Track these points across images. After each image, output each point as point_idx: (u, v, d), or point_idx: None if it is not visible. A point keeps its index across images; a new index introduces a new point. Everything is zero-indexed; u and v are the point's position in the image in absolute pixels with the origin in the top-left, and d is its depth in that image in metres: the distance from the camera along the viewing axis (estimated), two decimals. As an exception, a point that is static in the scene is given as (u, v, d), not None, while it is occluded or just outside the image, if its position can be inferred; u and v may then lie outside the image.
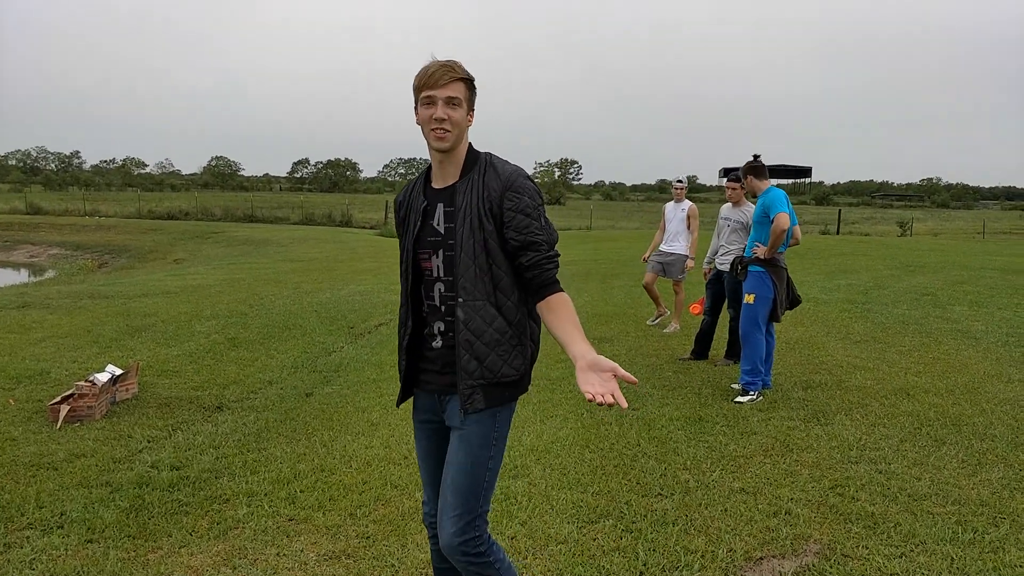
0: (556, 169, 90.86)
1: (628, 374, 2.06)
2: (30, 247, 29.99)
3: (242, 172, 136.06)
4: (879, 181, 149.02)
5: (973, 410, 5.56)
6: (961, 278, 14.19)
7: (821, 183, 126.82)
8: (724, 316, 7.38)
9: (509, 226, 2.25)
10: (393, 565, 3.46)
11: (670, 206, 8.89)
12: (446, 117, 2.27)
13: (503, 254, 2.28)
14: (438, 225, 2.35)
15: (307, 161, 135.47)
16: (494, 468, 2.35)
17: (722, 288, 7.27)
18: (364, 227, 35.73)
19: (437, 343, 2.39)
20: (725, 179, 8.70)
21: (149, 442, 5.28)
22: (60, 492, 4.38)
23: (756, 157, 6.28)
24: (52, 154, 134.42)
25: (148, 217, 37.84)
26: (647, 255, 9.06)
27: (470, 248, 2.27)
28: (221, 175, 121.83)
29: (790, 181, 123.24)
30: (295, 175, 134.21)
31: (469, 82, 2.33)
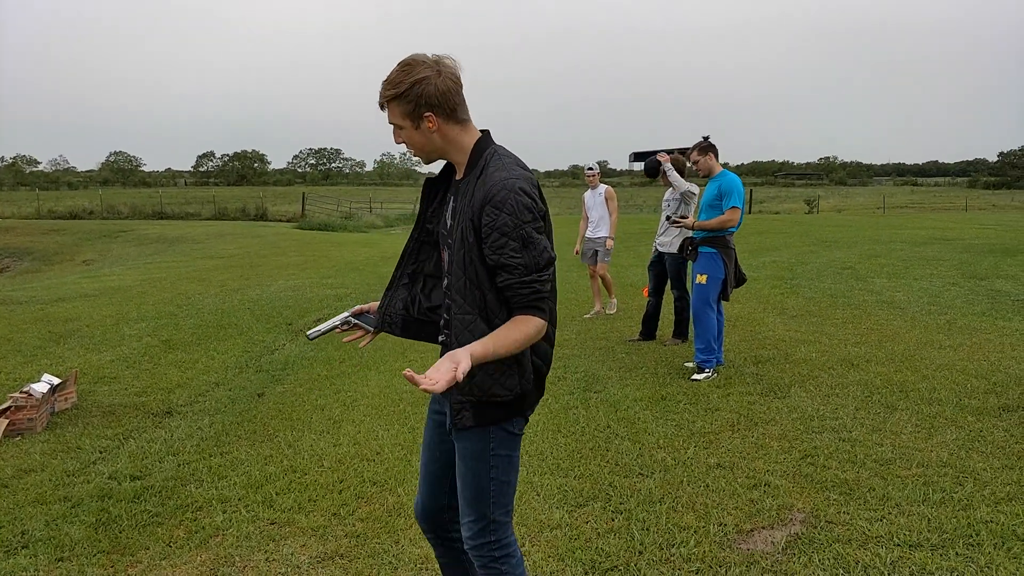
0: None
1: (452, 378, 1.85)
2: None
3: (143, 167, 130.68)
4: (780, 161, 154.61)
5: (915, 376, 5.87)
6: (875, 251, 14.92)
7: (725, 164, 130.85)
8: (668, 296, 7.55)
9: (485, 243, 2.06)
10: (390, 562, 3.42)
11: (588, 194, 9.00)
12: (401, 141, 2.17)
13: (486, 270, 2.10)
14: (448, 219, 2.24)
15: (212, 154, 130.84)
16: (499, 478, 2.23)
17: (663, 269, 7.43)
18: (280, 220, 34.83)
19: (442, 337, 2.30)
20: (587, 168, 8.92)
21: (101, 452, 5.04)
22: (16, 510, 4.13)
23: (706, 138, 6.42)
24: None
25: (48, 217, 35.83)
26: (578, 247, 9.16)
27: (461, 257, 2.13)
28: (121, 171, 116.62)
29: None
30: (200, 169, 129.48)
31: (400, 96, 2.08)
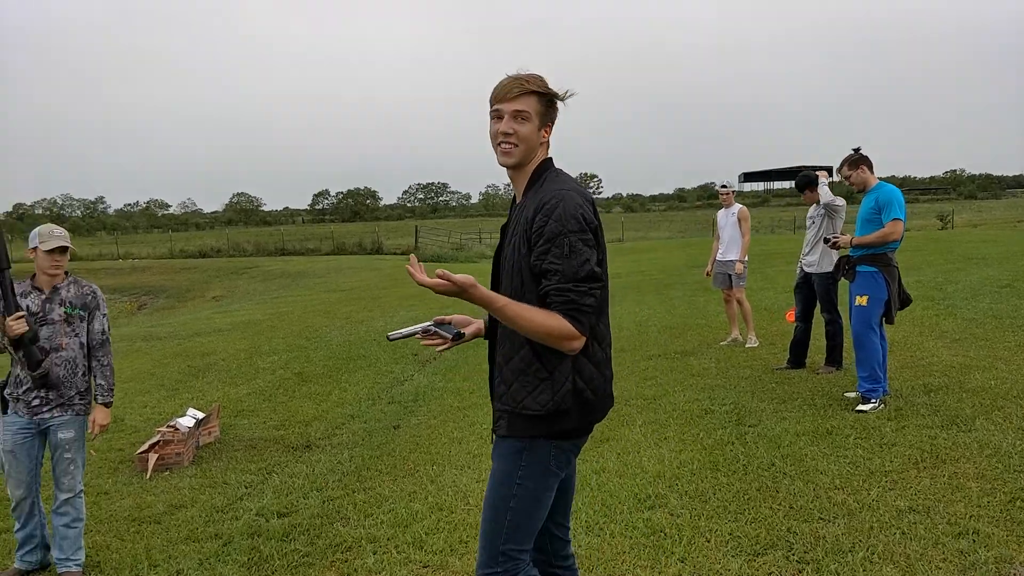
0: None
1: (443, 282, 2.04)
2: None
3: (264, 207, 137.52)
4: (900, 176, 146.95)
5: (1123, 406, 5.16)
6: (1030, 268, 13.67)
7: (843, 182, 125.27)
8: (817, 320, 7.03)
9: (533, 249, 2.12)
10: (556, 614, 3.15)
11: (721, 213, 8.58)
12: (511, 131, 2.20)
13: (532, 279, 2.13)
14: (506, 240, 2.31)
15: (327, 192, 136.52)
16: (517, 508, 2.20)
17: (811, 292, 6.93)
18: (395, 253, 35.66)
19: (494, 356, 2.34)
20: (720, 186, 8.49)
21: (247, 488, 5.02)
22: (169, 547, 4.12)
23: (857, 150, 5.94)
24: (77, 200, 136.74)
25: (180, 256, 38.05)
26: (709, 268, 8.72)
27: (510, 269, 2.19)
28: (244, 211, 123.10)
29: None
30: (316, 206, 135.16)
31: (544, 96, 2.22)
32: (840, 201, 6.77)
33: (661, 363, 7.62)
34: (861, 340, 5.59)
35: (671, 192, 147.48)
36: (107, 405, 3.92)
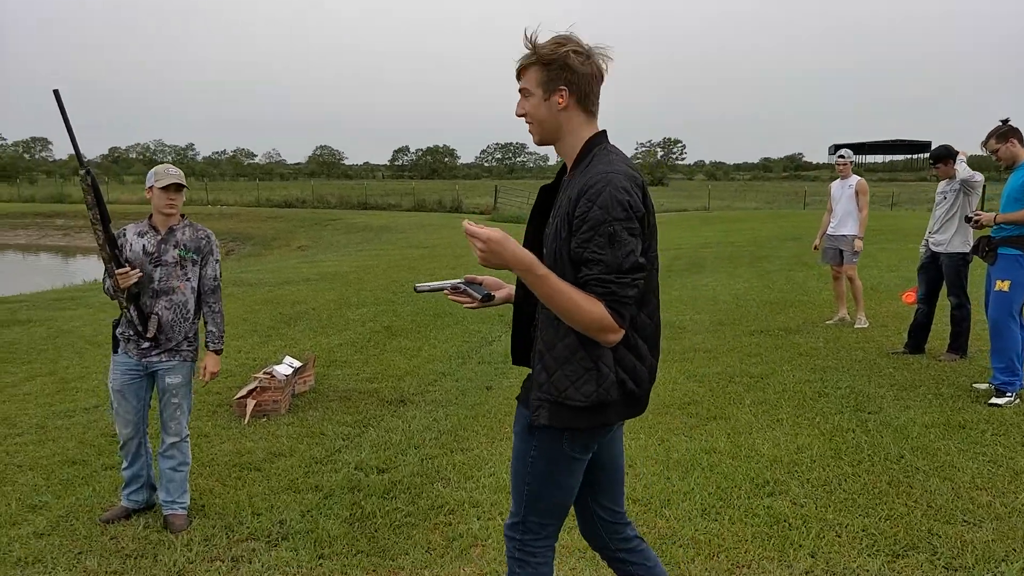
0: (659, 149, 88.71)
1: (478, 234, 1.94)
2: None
3: (345, 161, 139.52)
4: None
5: None
6: None
7: (989, 156, 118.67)
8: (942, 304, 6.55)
9: (575, 235, 1.98)
10: (679, 602, 2.96)
11: (836, 185, 8.05)
12: (522, 111, 2.11)
13: (572, 266, 2.00)
14: (551, 218, 2.15)
15: (407, 148, 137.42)
16: (533, 485, 2.17)
17: (938, 273, 6.44)
18: (474, 212, 35.60)
19: (535, 342, 2.17)
20: (837, 155, 7.89)
21: (344, 440, 4.97)
22: (271, 497, 4.08)
23: (1005, 121, 5.43)
24: (169, 147, 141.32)
25: (266, 205, 38.88)
26: (817, 242, 8.25)
27: (552, 252, 2.05)
28: (326, 164, 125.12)
29: (904, 157, 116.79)
30: (395, 162, 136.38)
31: (544, 63, 2.04)
32: (979, 177, 6.25)
33: (764, 340, 7.27)
34: (999, 329, 5.15)
35: (756, 161, 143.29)
36: (217, 352, 3.87)
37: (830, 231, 7.98)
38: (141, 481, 3.93)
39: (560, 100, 2.05)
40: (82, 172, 3.45)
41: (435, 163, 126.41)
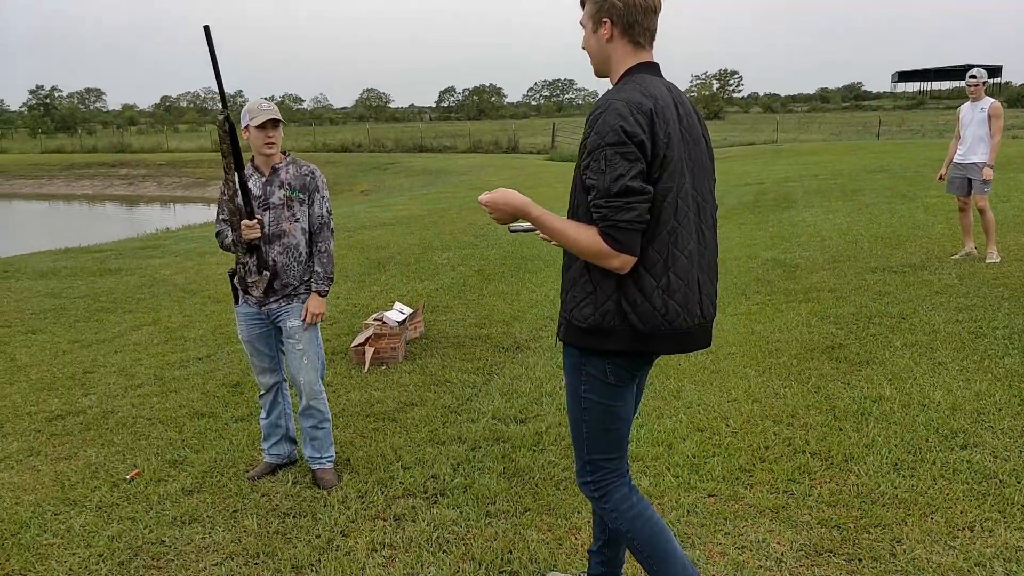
0: (715, 81, 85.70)
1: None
2: (221, 183, 31.41)
3: (392, 104, 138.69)
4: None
5: None
6: None
7: (1009, 83, 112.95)
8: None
9: (581, 160, 2.05)
10: (905, 570, 2.68)
11: (965, 108, 7.39)
12: (583, 46, 2.17)
13: (584, 193, 2.06)
14: None
15: (453, 89, 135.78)
16: (591, 420, 2.21)
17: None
18: (531, 152, 35.00)
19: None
20: (968, 76, 7.19)
21: (471, 388, 4.77)
22: (415, 449, 3.90)
23: None
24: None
25: (323, 150, 38.82)
26: (943, 171, 7.65)
27: (575, 179, 2.12)
28: (373, 107, 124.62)
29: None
30: (442, 104, 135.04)
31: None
32: None
33: (890, 277, 6.82)
34: None
35: (811, 92, 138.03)
36: (321, 294, 3.57)
37: (957, 158, 7.39)
38: (280, 433, 3.78)
39: (605, 32, 2.09)
40: (221, 117, 3.18)
41: (482, 103, 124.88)
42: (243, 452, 3.99)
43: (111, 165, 36.23)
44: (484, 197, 2.12)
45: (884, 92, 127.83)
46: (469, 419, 4.28)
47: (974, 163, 7.22)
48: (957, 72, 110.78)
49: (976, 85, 7.21)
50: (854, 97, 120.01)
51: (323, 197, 3.60)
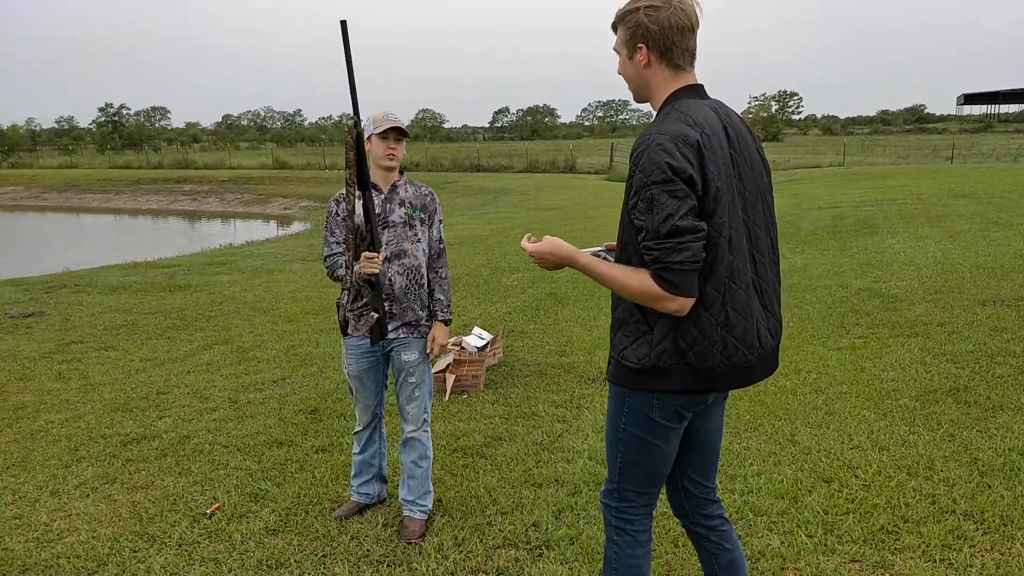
0: (773, 103, 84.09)
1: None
2: (282, 200, 31.87)
3: (446, 124, 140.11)
4: None
5: None
6: None
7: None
8: None
9: (628, 200, 1.97)
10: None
11: None
12: (620, 73, 2.10)
13: (634, 231, 1.96)
14: None
15: (507, 110, 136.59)
16: (627, 455, 2.15)
17: None
18: (589, 172, 34.71)
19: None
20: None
21: (562, 423, 4.46)
22: (510, 491, 3.60)
23: None
24: (278, 113, 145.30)
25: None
26: None
27: (623, 217, 2.02)
28: (428, 127, 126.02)
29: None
30: (495, 124, 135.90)
31: (621, 23, 2.03)
32: None
33: (1005, 312, 6.31)
34: None
35: (872, 114, 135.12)
36: (446, 323, 3.35)
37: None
38: (372, 472, 3.52)
39: (642, 58, 2.01)
40: (350, 122, 2.88)
41: (535, 123, 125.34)
42: (327, 488, 3.74)
43: (175, 181, 37.04)
44: (531, 247, 2.08)
45: (949, 115, 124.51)
46: (564, 458, 3.97)
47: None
48: (1008, 95, 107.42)
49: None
50: (916, 120, 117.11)
51: (439, 220, 3.37)
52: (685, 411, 2.07)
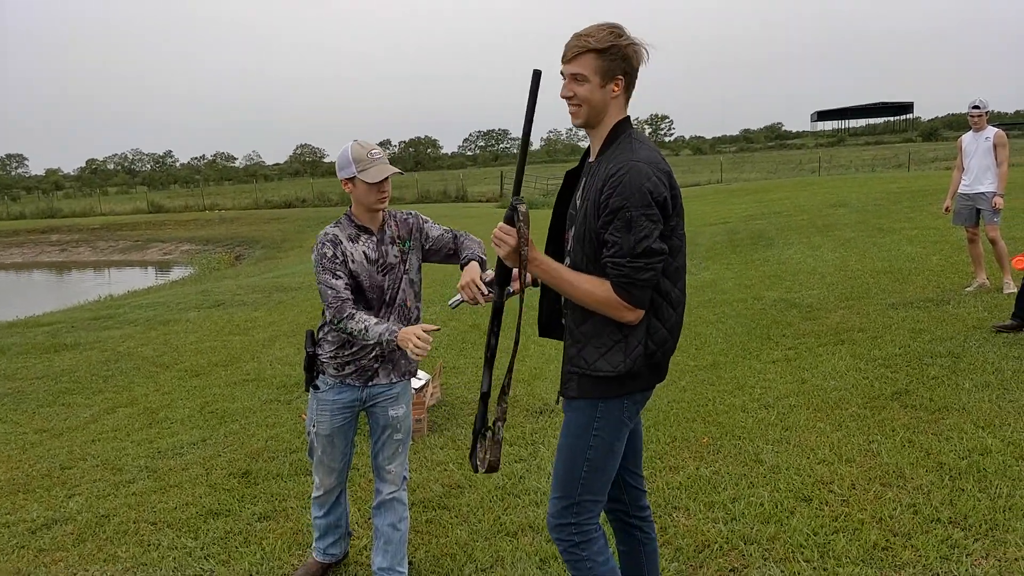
0: (646, 126, 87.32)
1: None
2: (161, 244, 30.24)
3: (327, 158, 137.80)
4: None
5: None
6: None
7: (918, 119, 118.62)
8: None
9: (599, 217, 2.09)
10: None
11: (968, 138, 7.33)
12: (571, 94, 2.15)
13: (600, 247, 2.11)
14: (577, 200, 2.25)
15: (389, 142, 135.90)
16: (594, 461, 2.20)
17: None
18: (480, 200, 34.80)
19: (565, 319, 2.29)
20: (970, 106, 7.15)
21: (520, 463, 4.28)
22: (486, 544, 3.37)
23: None
24: (147, 155, 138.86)
25: (266, 207, 37.83)
26: (948, 202, 7.52)
27: (582, 233, 2.15)
28: (308, 163, 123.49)
29: (884, 120, 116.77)
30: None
31: (602, 51, 2.11)
32: None
33: (916, 313, 6.58)
34: None
35: (736, 133, 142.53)
36: (481, 263, 2.86)
37: (963, 189, 7.27)
38: (339, 532, 3.23)
39: (615, 88, 2.13)
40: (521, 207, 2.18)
41: (419, 155, 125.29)
42: (281, 560, 3.39)
43: (41, 231, 34.51)
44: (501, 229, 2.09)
45: (804, 131, 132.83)
46: (532, 501, 3.76)
47: (982, 192, 7.11)
48: (872, 110, 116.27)
49: (979, 115, 7.13)
50: (776, 136, 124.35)
51: (428, 222, 3.05)
52: (641, 406, 2.25)
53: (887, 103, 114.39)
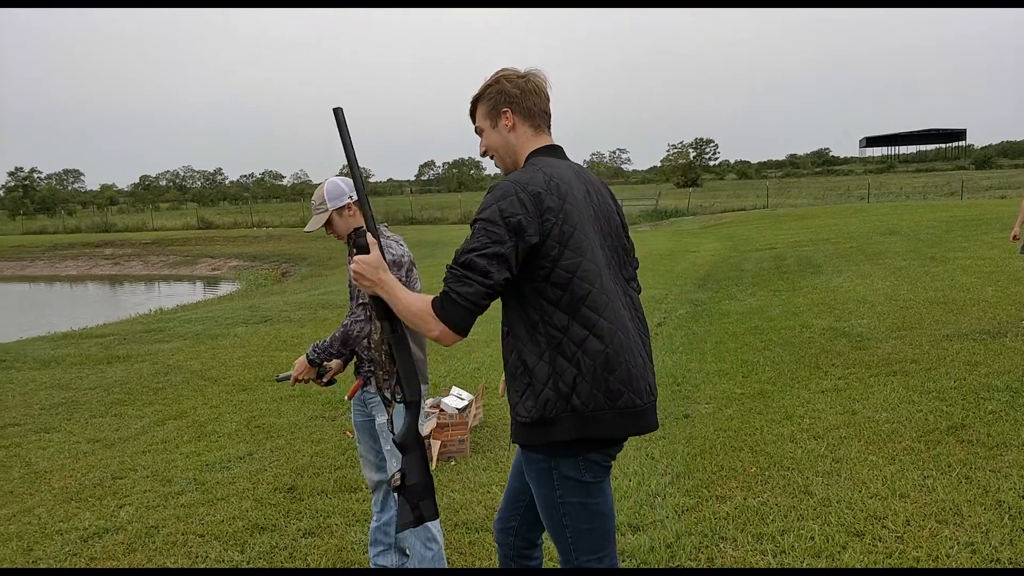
0: (691, 150, 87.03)
1: None
2: (210, 260, 30.90)
3: (372, 178, 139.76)
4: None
5: None
6: None
7: (971, 146, 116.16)
8: None
9: None
10: None
11: None
12: (483, 148, 2.20)
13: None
14: None
15: (433, 163, 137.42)
16: (575, 527, 2.05)
17: None
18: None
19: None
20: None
21: (564, 488, 4.22)
22: (530, 569, 3.33)
23: None
24: (197, 172, 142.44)
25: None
26: (1017, 230, 7.33)
27: None
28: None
29: (935, 147, 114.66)
30: (421, 177, 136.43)
31: (481, 97, 2.16)
32: None
33: (971, 345, 6.41)
34: None
35: (782, 158, 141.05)
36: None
37: (1034, 218, 7.08)
38: (388, 542, 3.29)
39: (507, 122, 2.12)
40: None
41: (462, 176, 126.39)
42: (325, 577, 3.40)
43: (95, 245, 35.56)
44: (357, 259, 1.98)
45: (852, 157, 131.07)
46: (577, 526, 3.72)
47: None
48: (923, 136, 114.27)
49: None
50: (823, 162, 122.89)
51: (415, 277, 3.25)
52: (608, 461, 2.07)
53: (938, 129, 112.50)
